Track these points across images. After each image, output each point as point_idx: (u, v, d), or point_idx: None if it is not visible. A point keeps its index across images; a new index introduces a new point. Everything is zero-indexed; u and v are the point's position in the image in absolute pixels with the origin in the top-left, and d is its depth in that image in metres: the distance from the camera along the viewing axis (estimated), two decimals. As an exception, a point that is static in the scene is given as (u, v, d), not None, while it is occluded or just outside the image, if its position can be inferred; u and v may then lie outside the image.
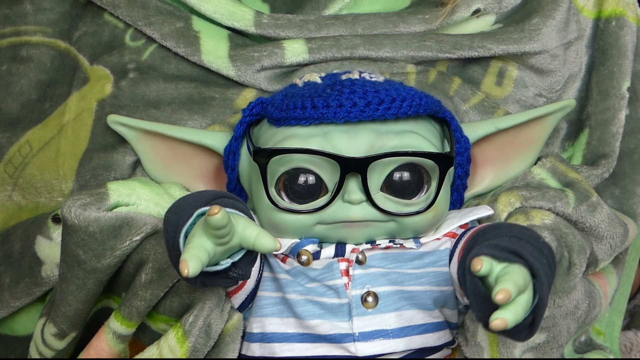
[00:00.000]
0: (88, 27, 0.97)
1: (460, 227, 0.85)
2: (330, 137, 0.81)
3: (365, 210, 0.80)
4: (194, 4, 0.94)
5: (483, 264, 0.68)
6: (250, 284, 0.82)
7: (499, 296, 0.66)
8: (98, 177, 0.92)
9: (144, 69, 0.94)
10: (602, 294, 0.90)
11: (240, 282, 0.80)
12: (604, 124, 0.96)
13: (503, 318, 0.67)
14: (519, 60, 0.95)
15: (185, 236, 0.73)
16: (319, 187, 0.81)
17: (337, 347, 0.80)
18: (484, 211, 0.86)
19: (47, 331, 0.87)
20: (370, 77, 0.86)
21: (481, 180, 0.92)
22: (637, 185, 0.98)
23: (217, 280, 0.75)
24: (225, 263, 0.73)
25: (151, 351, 0.82)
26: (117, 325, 0.83)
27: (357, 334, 0.79)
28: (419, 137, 0.82)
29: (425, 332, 0.81)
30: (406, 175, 0.81)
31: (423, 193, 0.82)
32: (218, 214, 0.68)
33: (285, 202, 0.82)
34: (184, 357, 0.81)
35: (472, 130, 0.89)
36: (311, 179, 0.81)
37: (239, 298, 0.82)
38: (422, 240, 0.83)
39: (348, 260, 0.81)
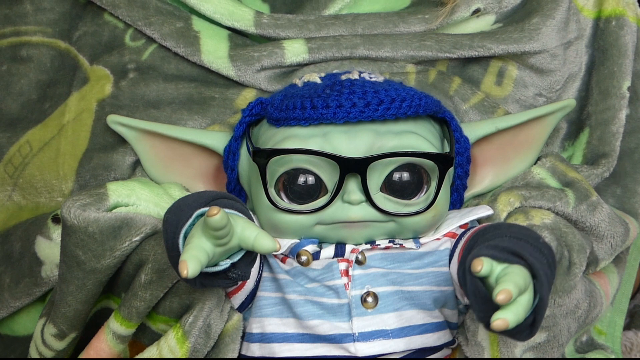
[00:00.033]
0: (88, 27, 0.97)
1: (460, 227, 0.85)
2: (329, 137, 0.81)
3: (364, 211, 0.80)
4: (193, 4, 0.94)
5: (483, 265, 0.68)
6: (249, 284, 0.82)
7: (499, 297, 0.66)
8: (98, 177, 0.92)
9: (143, 69, 0.94)
10: (603, 293, 0.90)
11: (239, 282, 0.80)
12: (604, 123, 0.96)
13: (504, 318, 0.67)
14: (519, 59, 0.95)
15: (185, 237, 0.73)
16: (318, 188, 0.81)
17: (337, 347, 0.80)
18: (483, 211, 0.86)
19: (47, 331, 0.87)
20: (370, 78, 0.85)
21: (481, 180, 0.92)
22: (638, 184, 0.98)
23: (216, 280, 0.75)
24: (225, 264, 0.73)
25: (151, 351, 0.82)
26: (116, 326, 0.83)
27: (356, 334, 0.79)
28: (419, 137, 0.82)
29: (425, 332, 0.81)
30: (406, 175, 0.81)
31: (423, 193, 0.82)
32: (217, 214, 0.68)
33: (285, 203, 0.81)
34: (183, 357, 0.81)
35: (472, 130, 0.89)
36: (311, 179, 0.81)
37: (238, 298, 0.82)
38: (422, 240, 0.83)
39: (348, 261, 0.81)
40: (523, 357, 0.83)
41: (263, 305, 0.82)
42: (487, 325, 0.68)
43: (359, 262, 0.81)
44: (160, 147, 0.90)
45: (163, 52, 0.95)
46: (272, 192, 0.81)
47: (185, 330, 0.81)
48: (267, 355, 0.81)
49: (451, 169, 0.86)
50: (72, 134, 0.94)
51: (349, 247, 0.82)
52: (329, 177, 0.81)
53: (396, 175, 0.81)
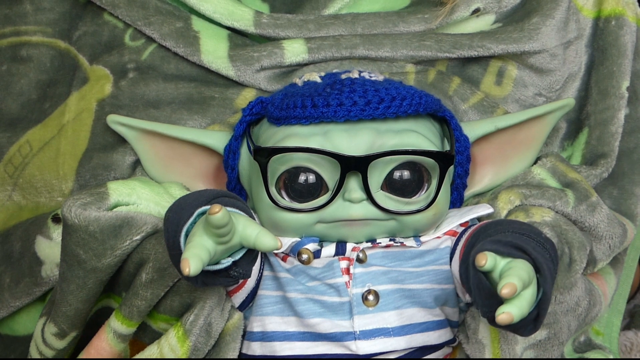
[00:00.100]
0: (88, 27, 0.97)
1: (461, 225, 0.85)
2: (330, 135, 0.81)
3: (365, 209, 0.80)
4: (193, 4, 0.94)
5: (487, 259, 0.69)
6: (250, 282, 0.82)
7: (504, 290, 0.66)
8: (98, 177, 0.92)
9: (143, 68, 0.94)
10: (602, 293, 0.90)
11: (240, 281, 0.80)
12: (603, 123, 0.96)
13: (509, 312, 0.67)
14: (519, 59, 0.95)
15: (186, 235, 0.73)
16: (319, 186, 0.81)
17: (338, 345, 0.80)
18: (483, 209, 0.86)
19: (47, 331, 0.87)
20: (370, 77, 0.86)
21: (481, 179, 0.92)
22: (636, 185, 0.98)
23: (217, 279, 0.75)
24: (226, 262, 0.73)
25: (152, 350, 0.82)
26: (117, 325, 0.83)
27: (358, 333, 0.79)
28: (419, 135, 0.82)
29: (426, 330, 0.81)
30: (406, 173, 0.81)
31: (423, 192, 0.82)
32: (219, 212, 0.68)
33: (286, 201, 0.82)
34: (184, 356, 0.81)
35: (472, 129, 0.89)
36: (311, 177, 0.81)
37: (239, 297, 0.82)
38: (423, 238, 0.83)
39: (349, 259, 0.81)
40: (524, 355, 0.83)
41: (264, 304, 0.82)
42: (492, 320, 0.69)
43: (360, 261, 0.81)
44: (160, 146, 0.90)
45: (163, 52, 0.95)
46: (273, 190, 0.81)
47: (186, 329, 0.81)
48: (268, 354, 0.81)
49: (451, 168, 0.86)
50: (72, 134, 0.94)
51: (349, 246, 0.82)
52: (330, 176, 0.81)
53: (397, 174, 0.81)
